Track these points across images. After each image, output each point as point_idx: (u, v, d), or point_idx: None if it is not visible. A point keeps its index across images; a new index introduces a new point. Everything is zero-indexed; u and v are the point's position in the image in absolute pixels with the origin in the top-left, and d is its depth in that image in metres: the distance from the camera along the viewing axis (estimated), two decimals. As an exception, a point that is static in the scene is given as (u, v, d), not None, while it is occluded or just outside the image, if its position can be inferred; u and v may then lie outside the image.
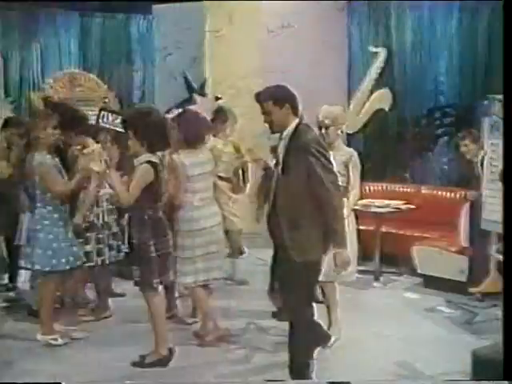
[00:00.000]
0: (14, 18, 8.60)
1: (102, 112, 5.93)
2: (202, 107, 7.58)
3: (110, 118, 5.83)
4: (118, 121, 5.17)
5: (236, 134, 6.05)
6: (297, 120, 3.37)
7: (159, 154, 4.10)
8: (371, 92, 7.77)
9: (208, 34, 7.86)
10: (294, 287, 3.32)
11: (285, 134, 3.37)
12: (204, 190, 4.39)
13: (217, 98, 7.82)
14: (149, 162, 3.90)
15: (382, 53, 7.70)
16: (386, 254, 6.23)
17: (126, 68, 9.17)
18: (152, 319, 4.00)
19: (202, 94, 7.92)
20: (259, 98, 3.42)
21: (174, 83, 8.17)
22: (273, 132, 3.45)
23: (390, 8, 7.71)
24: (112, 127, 5.46)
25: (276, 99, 3.35)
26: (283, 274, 3.42)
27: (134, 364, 4.00)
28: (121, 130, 4.61)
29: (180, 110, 4.59)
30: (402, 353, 4.22)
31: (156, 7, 8.36)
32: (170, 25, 8.22)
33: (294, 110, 3.38)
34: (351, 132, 7.48)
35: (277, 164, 3.46)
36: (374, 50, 7.78)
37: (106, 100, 8.61)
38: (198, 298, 4.46)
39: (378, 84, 7.75)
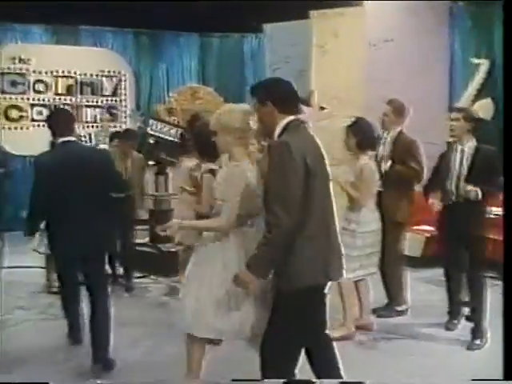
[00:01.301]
0: (145, 42, 9.36)
1: (151, 120, 6.29)
2: (308, 117, 7.87)
3: (159, 127, 6.16)
4: (166, 129, 5.39)
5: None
6: (289, 118, 2.71)
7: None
8: (473, 102, 7.58)
9: (314, 49, 8.08)
10: None
11: (275, 136, 2.75)
12: (374, 194, 4.40)
13: (321, 108, 8.02)
14: (210, 170, 4.01)
15: (485, 64, 7.49)
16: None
17: (240, 81, 9.59)
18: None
19: (308, 104, 8.13)
20: (250, 94, 2.91)
21: (282, 95, 8.45)
22: (262, 134, 2.97)
23: (493, 19, 7.51)
24: (160, 135, 5.73)
25: (259, 96, 2.78)
26: None
27: None
28: (168, 137, 4.79)
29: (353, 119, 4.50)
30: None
31: (267, 26, 8.71)
32: (279, 41, 8.51)
33: (280, 108, 2.71)
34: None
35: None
36: (476, 61, 7.59)
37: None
38: (347, 291, 4.30)
39: (480, 94, 7.55)
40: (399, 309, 4.78)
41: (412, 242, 5.75)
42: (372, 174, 4.31)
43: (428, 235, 6.29)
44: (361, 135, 4.32)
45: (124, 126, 9.11)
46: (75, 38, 9.05)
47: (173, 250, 5.58)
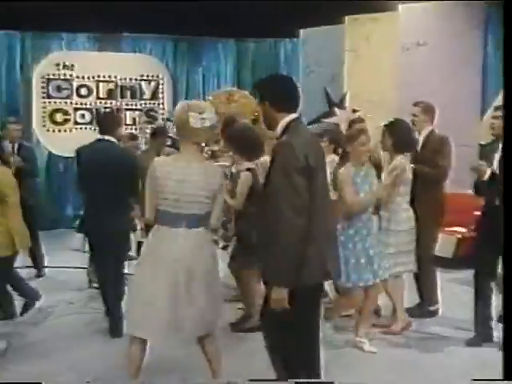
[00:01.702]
0: (183, 47, 9.52)
1: (169, 122, 6.35)
2: (341, 119, 7.90)
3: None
4: None
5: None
6: (291, 117, 2.66)
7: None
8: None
9: (347, 53, 8.11)
10: None
11: (276, 134, 2.72)
12: (408, 193, 4.37)
13: (354, 111, 8.03)
14: (248, 169, 4.24)
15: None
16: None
17: (274, 85, 9.67)
18: None
19: (341, 106, 8.16)
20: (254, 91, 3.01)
21: (315, 98, 8.51)
22: (269, 128, 2.81)
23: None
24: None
25: (259, 96, 2.78)
26: None
27: None
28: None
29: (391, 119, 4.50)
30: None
31: (302, 31, 8.77)
32: (313, 46, 8.58)
33: (278, 108, 2.65)
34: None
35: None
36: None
37: (256, 113, 9.17)
38: (392, 287, 4.31)
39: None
40: (431, 309, 4.77)
41: (444, 242, 5.72)
42: (403, 172, 4.25)
43: (459, 236, 6.25)
44: (397, 136, 4.30)
45: (162, 129, 9.36)
46: (116, 44, 9.27)
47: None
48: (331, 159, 4.85)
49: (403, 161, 4.30)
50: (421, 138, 4.78)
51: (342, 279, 3.66)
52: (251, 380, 2.98)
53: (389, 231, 4.26)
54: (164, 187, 2.82)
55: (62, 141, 8.91)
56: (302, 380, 2.61)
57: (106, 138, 4.29)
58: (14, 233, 4.21)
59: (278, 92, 2.70)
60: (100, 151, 4.27)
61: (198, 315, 2.87)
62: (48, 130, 9.08)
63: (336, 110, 8.15)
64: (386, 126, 4.42)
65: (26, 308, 4.61)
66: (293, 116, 2.65)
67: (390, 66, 7.49)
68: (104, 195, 4.13)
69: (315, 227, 2.53)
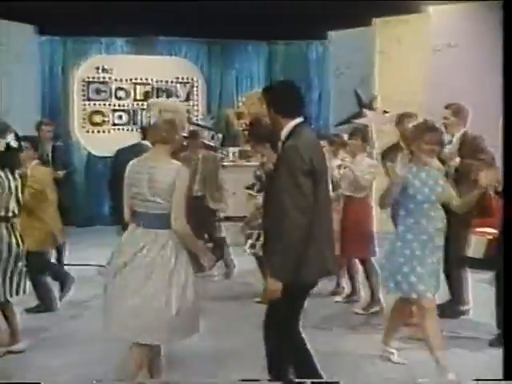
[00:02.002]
0: (216, 50, 9.68)
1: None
2: (371, 120, 7.93)
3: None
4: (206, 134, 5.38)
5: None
6: (296, 121, 2.72)
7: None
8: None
9: (377, 55, 8.13)
10: None
11: (282, 137, 2.77)
12: None
13: (384, 112, 8.05)
14: None
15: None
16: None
17: (305, 86, 9.70)
18: None
19: (372, 108, 8.18)
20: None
21: (346, 99, 8.54)
22: (251, 131, 2.99)
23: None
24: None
25: (266, 98, 2.83)
26: None
27: None
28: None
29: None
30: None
31: (331, 33, 8.82)
32: (343, 48, 8.62)
33: (282, 113, 2.73)
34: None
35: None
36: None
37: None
38: None
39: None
40: (462, 308, 4.75)
41: (475, 243, 5.71)
42: None
43: (490, 237, 6.21)
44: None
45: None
46: (152, 48, 9.48)
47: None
48: (361, 159, 4.91)
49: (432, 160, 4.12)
50: (454, 140, 4.75)
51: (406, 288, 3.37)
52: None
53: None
54: (130, 186, 2.83)
55: (101, 141, 9.17)
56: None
57: (145, 142, 4.35)
58: (53, 229, 4.41)
59: (281, 98, 2.77)
60: (136, 154, 4.42)
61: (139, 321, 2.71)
62: (87, 131, 9.36)
63: (366, 111, 8.17)
64: (413, 126, 4.42)
65: (63, 291, 4.83)
66: (297, 120, 2.73)
67: (421, 68, 7.48)
68: None
69: (318, 227, 2.62)
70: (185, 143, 6.23)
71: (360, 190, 4.81)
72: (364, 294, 5.05)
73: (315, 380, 2.76)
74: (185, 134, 6.53)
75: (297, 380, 2.79)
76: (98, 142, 9.25)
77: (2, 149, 3.43)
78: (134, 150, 4.43)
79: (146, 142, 4.40)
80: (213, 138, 6.83)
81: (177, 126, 2.76)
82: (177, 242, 2.75)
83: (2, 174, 3.49)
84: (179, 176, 2.72)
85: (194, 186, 5.87)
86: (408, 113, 5.04)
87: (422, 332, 3.46)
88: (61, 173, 5.82)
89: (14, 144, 3.50)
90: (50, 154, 6.11)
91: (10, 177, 3.56)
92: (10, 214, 3.57)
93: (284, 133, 2.72)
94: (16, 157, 3.62)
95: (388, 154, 4.83)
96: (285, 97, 2.78)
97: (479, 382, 2.88)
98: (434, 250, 3.41)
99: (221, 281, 5.93)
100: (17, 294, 3.69)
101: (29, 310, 4.64)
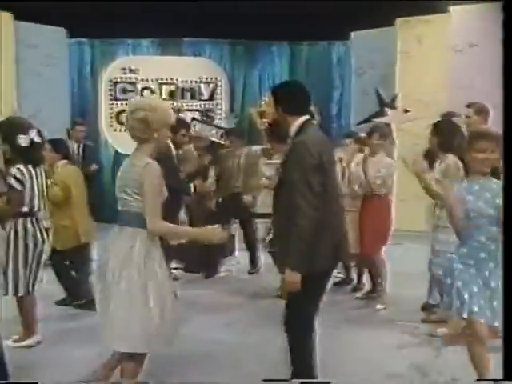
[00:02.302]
0: (240, 51, 9.83)
1: (194, 121, 6.22)
2: (392, 119, 7.98)
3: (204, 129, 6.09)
4: (214, 132, 5.40)
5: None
6: (302, 119, 2.80)
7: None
8: None
9: (399, 55, 8.19)
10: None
11: (290, 134, 2.85)
12: None
13: (405, 111, 8.08)
14: None
15: None
16: None
17: (327, 86, 9.81)
18: None
19: (393, 107, 8.22)
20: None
21: (366, 98, 8.60)
22: (272, 131, 3.03)
23: None
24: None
25: (274, 96, 2.92)
26: None
27: None
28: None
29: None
30: None
31: (354, 34, 8.89)
32: (365, 48, 8.68)
33: (289, 112, 2.81)
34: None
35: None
36: None
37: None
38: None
39: None
40: None
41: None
42: (457, 171, 4.01)
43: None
44: (442, 136, 4.23)
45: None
46: (177, 49, 9.68)
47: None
48: (381, 157, 4.93)
49: (455, 159, 4.09)
50: None
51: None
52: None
53: (448, 229, 3.49)
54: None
55: (127, 140, 9.20)
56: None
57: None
58: (78, 228, 4.50)
59: (289, 97, 2.86)
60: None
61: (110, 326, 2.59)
62: (115, 130, 9.61)
63: (387, 110, 8.22)
64: (434, 124, 4.39)
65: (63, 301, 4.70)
66: (303, 118, 2.81)
67: (441, 67, 7.52)
68: None
69: (328, 218, 2.72)
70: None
71: (377, 188, 4.85)
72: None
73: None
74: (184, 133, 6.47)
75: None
76: (124, 140, 9.36)
77: (27, 144, 3.46)
78: None
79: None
80: (222, 136, 6.86)
81: (151, 124, 2.60)
82: (147, 241, 2.59)
83: (25, 171, 3.50)
84: (146, 174, 2.56)
85: (235, 183, 5.99)
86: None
87: (469, 353, 2.98)
88: (93, 166, 5.98)
89: (37, 139, 3.53)
90: (81, 153, 6.33)
91: (33, 173, 3.56)
92: (36, 209, 3.59)
93: (292, 130, 2.81)
94: (39, 153, 3.63)
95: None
96: (291, 96, 2.87)
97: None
98: (494, 271, 2.91)
99: (246, 278, 5.98)
100: (33, 286, 3.63)
101: (58, 303, 4.71)
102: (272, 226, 3.11)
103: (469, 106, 4.85)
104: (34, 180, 3.56)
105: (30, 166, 3.54)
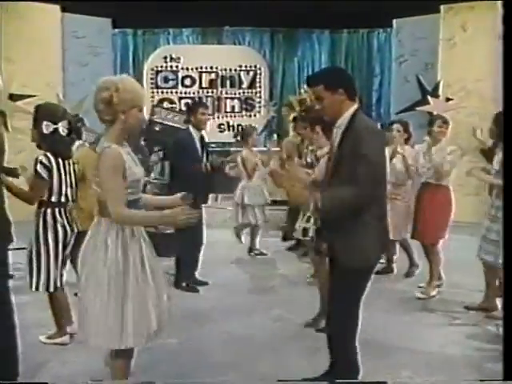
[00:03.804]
0: (280, 39, 9.82)
1: (156, 108, 6.06)
2: (435, 108, 7.87)
3: (163, 114, 5.94)
4: (170, 116, 5.23)
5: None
6: (355, 106, 2.65)
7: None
8: None
9: (441, 42, 8.02)
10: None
11: (339, 122, 2.66)
12: None
13: (447, 99, 7.96)
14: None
15: None
16: None
17: (367, 74, 9.72)
18: None
19: (435, 95, 8.10)
20: (310, 82, 2.79)
21: (407, 86, 8.49)
22: (326, 119, 2.78)
23: None
24: (165, 122, 5.54)
25: (327, 83, 2.64)
26: None
27: None
28: (173, 124, 4.73)
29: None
30: None
31: (396, 21, 8.75)
32: (407, 35, 8.54)
33: (350, 96, 2.64)
34: None
35: (330, 155, 2.81)
36: None
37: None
38: (489, 273, 4.23)
39: None
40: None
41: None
42: None
43: None
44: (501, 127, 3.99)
45: (258, 116, 9.75)
46: (218, 37, 9.76)
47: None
48: (444, 145, 4.71)
49: None
50: None
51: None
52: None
53: (496, 218, 3.98)
54: None
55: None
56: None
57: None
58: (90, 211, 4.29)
59: (351, 80, 2.77)
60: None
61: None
62: (156, 118, 9.78)
63: (429, 98, 8.11)
64: (495, 115, 4.23)
65: None
66: (356, 105, 2.68)
67: (486, 55, 7.34)
68: None
69: (378, 209, 2.62)
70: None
71: (446, 175, 4.71)
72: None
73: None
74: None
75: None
76: (165, 127, 9.63)
77: (48, 132, 3.29)
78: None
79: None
80: (185, 122, 6.64)
81: (115, 105, 2.36)
82: (123, 233, 2.39)
83: (53, 159, 3.31)
84: (101, 159, 2.35)
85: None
86: None
87: None
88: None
89: (62, 131, 3.34)
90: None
91: (61, 163, 3.37)
92: (63, 200, 3.40)
93: (346, 116, 2.62)
94: (64, 145, 3.40)
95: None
96: (353, 79, 2.81)
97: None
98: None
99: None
100: (61, 281, 3.44)
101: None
102: (320, 217, 2.97)
103: None
104: (62, 170, 3.37)
105: (58, 157, 3.35)
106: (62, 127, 3.34)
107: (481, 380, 2.85)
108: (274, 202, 6.42)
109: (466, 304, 4.40)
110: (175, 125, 5.75)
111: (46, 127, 3.29)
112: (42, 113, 3.35)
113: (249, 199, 5.75)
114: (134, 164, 2.46)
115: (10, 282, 2.87)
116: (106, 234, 2.38)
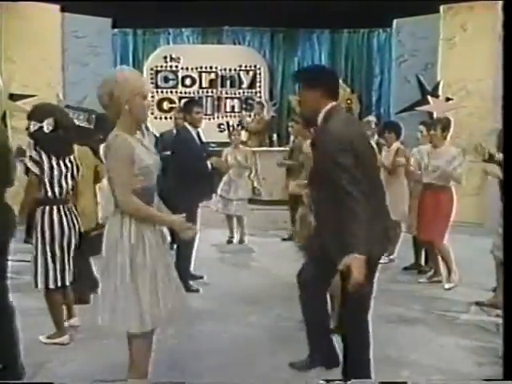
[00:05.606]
0: (280, 38, 9.81)
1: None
2: (435, 108, 7.87)
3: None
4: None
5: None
6: (332, 104, 2.65)
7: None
8: None
9: (441, 42, 8.01)
10: None
11: (318, 120, 2.65)
12: None
13: (447, 99, 7.96)
14: None
15: None
16: None
17: (367, 74, 9.71)
18: None
19: (435, 95, 8.10)
20: (293, 79, 2.89)
21: (407, 86, 8.49)
22: (303, 116, 2.85)
23: None
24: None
25: (305, 80, 2.70)
26: None
27: None
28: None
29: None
30: None
31: (396, 21, 8.74)
32: (407, 35, 8.52)
33: (328, 93, 2.64)
34: None
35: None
36: None
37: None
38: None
39: None
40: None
41: None
42: None
43: None
44: None
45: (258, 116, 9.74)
46: (218, 37, 9.76)
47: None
48: (445, 149, 4.79)
49: None
50: None
51: None
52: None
53: None
54: None
55: (168, 127, 9.52)
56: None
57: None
58: (92, 209, 4.21)
59: (330, 78, 2.77)
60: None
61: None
62: (156, 118, 9.75)
63: (429, 98, 8.11)
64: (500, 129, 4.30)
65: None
66: (334, 103, 2.68)
67: (486, 55, 7.33)
68: None
69: (375, 204, 2.59)
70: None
71: (457, 179, 4.74)
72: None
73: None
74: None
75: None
76: (165, 128, 9.59)
77: (31, 131, 3.33)
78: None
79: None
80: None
81: (116, 97, 2.37)
82: (137, 224, 2.42)
83: (44, 155, 3.31)
84: (109, 146, 2.39)
85: None
86: None
87: None
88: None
89: (46, 129, 3.33)
90: None
91: (55, 161, 3.36)
92: (62, 197, 3.40)
93: (322, 114, 2.63)
94: (57, 142, 3.37)
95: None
96: (333, 77, 2.80)
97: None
98: None
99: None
100: (62, 279, 3.41)
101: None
102: (315, 216, 2.97)
103: None
104: (56, 167, 3.35)
105: (47, 154, 3.33)
106: (47, 124, 3.36)
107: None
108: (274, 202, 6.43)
109: (464, 302, 4.39)
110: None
111: (33, 126, 3.36)
112: (31, 113, 3.42)
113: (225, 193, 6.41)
114: (146, 152, 2.47)
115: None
116: (120, 222, 2.41)
